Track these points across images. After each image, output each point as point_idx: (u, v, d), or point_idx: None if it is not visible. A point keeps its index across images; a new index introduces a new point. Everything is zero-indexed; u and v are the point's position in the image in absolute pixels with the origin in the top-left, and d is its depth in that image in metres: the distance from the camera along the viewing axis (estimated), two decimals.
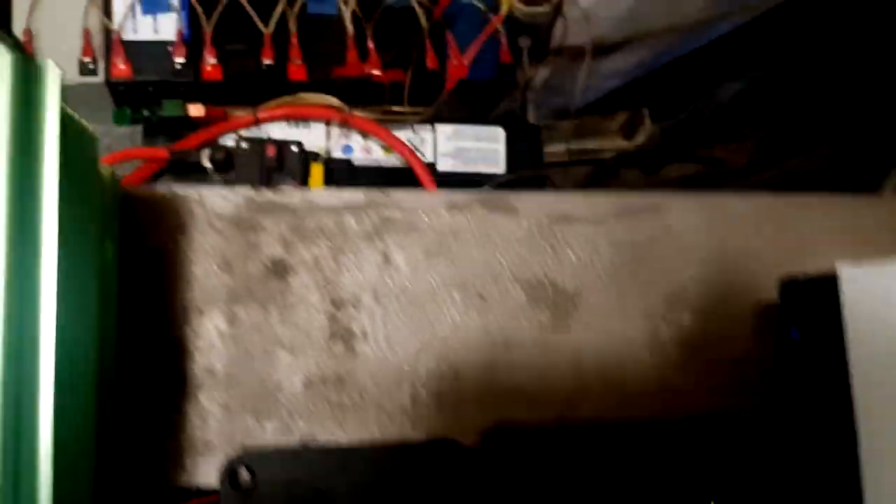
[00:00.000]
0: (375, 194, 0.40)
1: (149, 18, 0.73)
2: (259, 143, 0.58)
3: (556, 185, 0.73)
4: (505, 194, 0.42)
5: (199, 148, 0.62)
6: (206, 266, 0.37)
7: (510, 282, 0.38)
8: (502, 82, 0.78)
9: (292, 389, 0.34)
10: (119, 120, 0.63)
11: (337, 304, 0.37)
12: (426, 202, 0.40)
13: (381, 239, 0.38)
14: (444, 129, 0.69)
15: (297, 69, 0.75)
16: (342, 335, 0.36)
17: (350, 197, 0.39)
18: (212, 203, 0.38)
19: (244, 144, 0.58)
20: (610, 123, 1.14)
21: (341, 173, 0.65)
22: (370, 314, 0.36)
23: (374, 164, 0.67)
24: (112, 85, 0.72)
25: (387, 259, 0.38)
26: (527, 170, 0.65)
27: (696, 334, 0.39)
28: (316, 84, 0.75)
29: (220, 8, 0.73)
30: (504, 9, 0.67)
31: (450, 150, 0.69)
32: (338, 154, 0.65)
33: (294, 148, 0.60)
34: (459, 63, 0.78)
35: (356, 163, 0.67)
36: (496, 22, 0.67)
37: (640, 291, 0.39)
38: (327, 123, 0.66)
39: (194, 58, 0.73)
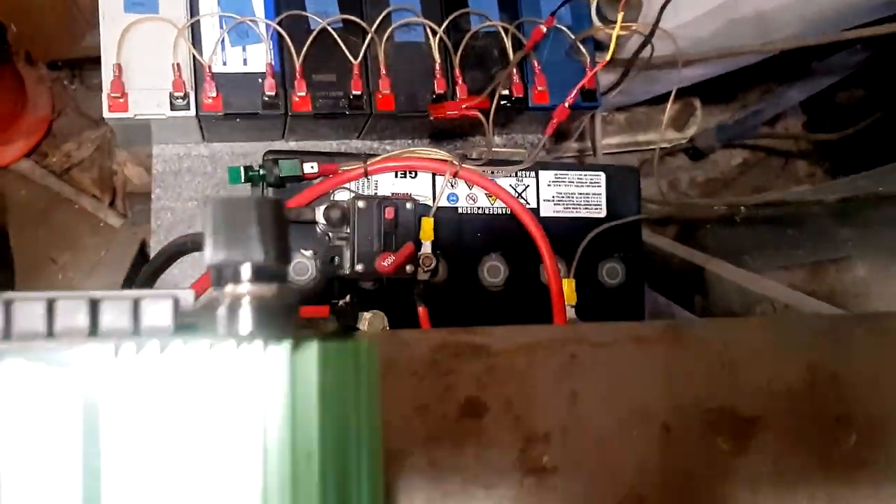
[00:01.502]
0: (564, 331, 0.42)
1: (238, 50, 0.73)
2: (378, 204, 0.59)
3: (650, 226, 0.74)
4: (688, 325, 0.44)
5: (311, 204, 0.63)
6: (402, 409, 0.39)
7: (693, 411, 0.40)
8: (586, 107, 0.78)
9: None
10: (234, 178, 0.63)
11: (528, 440, 0.40)
12: (611, 335, 0.42)
13: (569, 376, 0.40)
14: (546, 176, 0.70)
15: (384, 99, 0.75)
16: (534, 471, 0.39)
17: (541, 334, 0.41)
18: (410, 348, 0.40)
19: (361, 203, 0.59)
20: (660, 115, 1.15)
21: (449, 223, 0.67)
22: (560, 449, 0.39)
23: (479, 211, 0.68)
24: (204, 118, 0.72)
25: (574, 395, 0.40)
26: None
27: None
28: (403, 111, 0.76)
29: (309, 39, 0.72)
30: (609, 54, 0.67)
31: (552, 195, 0.71)
32: (444, 203, 0.67)
33: (409, 206, 0.61)
34: (542, 92, 0.78)
35: (461, 210, 0.68)
36: (601, 65, 0.67)
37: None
38: (434, 175, 0.67)
39: (284, 89, 0.73)
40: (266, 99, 0.72)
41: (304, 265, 0.62)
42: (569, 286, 0.63)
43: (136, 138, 0.79)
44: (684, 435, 0.41)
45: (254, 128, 0.77)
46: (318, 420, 0.22)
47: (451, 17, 0.76)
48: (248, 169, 0.63)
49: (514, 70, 0.77)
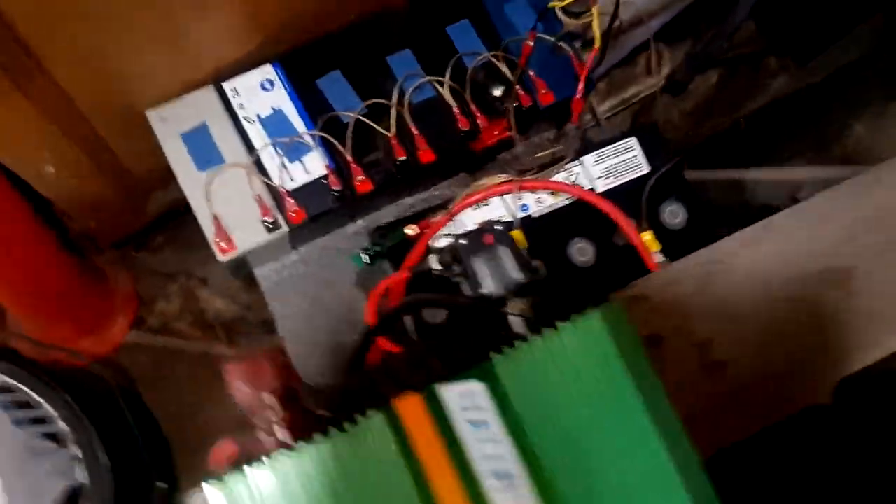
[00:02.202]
0: (691, 260, 0.54)
1: (297, 164, 0.85)
2: (476, 236, 0.71)
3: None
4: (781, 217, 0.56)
5: (424, 257, 0.75)
6: None
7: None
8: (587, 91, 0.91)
9: None
10: (357, 262, 0.75)
11: (701, 346, 0.52)
12: (730, 246, 0.54)
13: (712, 287, 0.52)
14: (589, 159, 0.82)
15: (425, 153, 0.87)
16: (709, 366, 0.51)
17: (676, 268, 0.53)
18: None
19: (463, 241, 0.71)
20: (634, 69, 1.27)
21: (531, 227, 0.79)
22: (726, 346, 0.51)
23: (549, 209, 0.81)
24: (294, 230, 0.84)
25: (723, 301, 0.52)
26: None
27: None
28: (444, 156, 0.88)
29: (349, 132, 0.84)
30: (596, 41, 0.79)
31: (600, 172, 0.83)
32: (520, 214, 0.79)
33: (500, 227, 0.73)
34: (546, 94, 0.91)
35: (535, 215, 0.80)
36: (594, 52, 0.80)
37: None
38: (502, 196, 0.79)
39: (344, 180, 0.85)
40: (335, 194, 0.84)
41: (436, 311, 0.74)
42: (649, 236, 0.76)
43: (241, 269, 0.91)
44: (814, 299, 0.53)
45: (330, 222, 0.90)
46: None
47: (449, 67, 0.88)
48: (366, 250, 0.75)
49: (518, 89, 0.89)
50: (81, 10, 0.62)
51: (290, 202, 0.83)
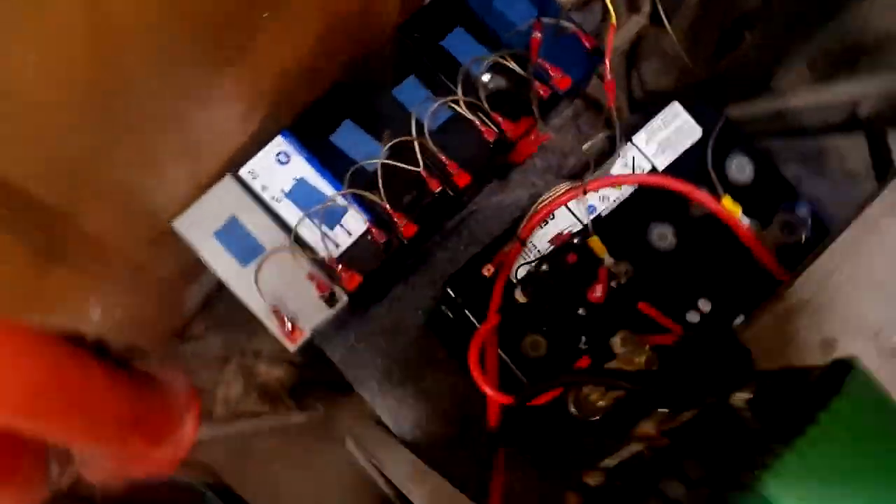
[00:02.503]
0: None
1: (337, 228, 0.81)
2: (556, 258, 0.67)
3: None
4: None
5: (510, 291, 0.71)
6: None
7: None
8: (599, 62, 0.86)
9: None
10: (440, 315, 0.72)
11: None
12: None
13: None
14: (639, 138, 0.78)
15: (460, 177, 0.83)
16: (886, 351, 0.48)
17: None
18: None
19: (544, 266, 0.67)
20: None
21: (606, 230, 0.75)
22: None
23: (615, 203, 0.77)
24: (353, 296, 0.80)
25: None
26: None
27: None
28: (479, 174, 0.84)
29: (379, 182, 0.80)
30: (612, 17, 0.75)
31: (655, 148, 0.79)
32: (591, 216, 0.75)
33: (576, 240, 0.69)
34: (563, 78, 0.86)
35: (604, 213, 0.77)
36: (612, 29, 0.76)
37: None
38: (566, 205, 0.75)
39: (388, 229, 0.81)
40: (383, 246, 0.80)
41: (537, 342, 0.70)
42: (727, 201, 0.72)
43: (308, 347, 0.88)
44: None
45: (386, 274, 0.86)
46: None
47: (459, 81, 0.83)
48: (443, 304, 0.71)
49: (535, 83, 0.84)
50: (108, 160, 0.57)
51: (339, 269, 0.79)
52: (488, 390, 0.64)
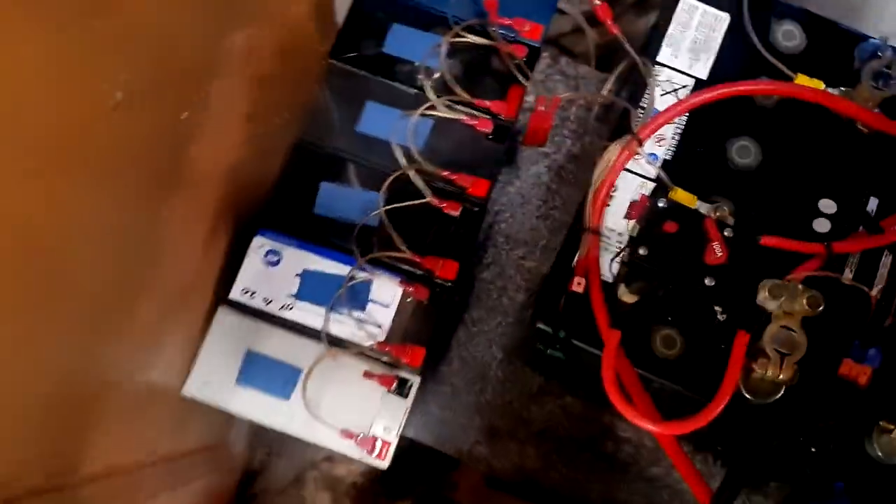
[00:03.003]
0: None
1: (371, 307, 0.67)
2: (652, 232, 0.54)
3: None
4: None
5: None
6: None
7: None
8: None
9: None
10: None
11: None
12: None
13: None
14: (664, 55, 0.64)
15: (476, 187, 0.69)
16: None
17: None
18: None
19: (641, 250, 0.54)
20: None
21: (677, 174, 0.61)
22: None
23: (675, 139, 0.63)
24: (418, 370, 0.67)
25: None
26: None
27: None
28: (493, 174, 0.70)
29: (392, 232, 0.66)
30: None
31: (688, 59, 0.65)
32: (658, 166, 0.61)
33: (661, 203, 0.55)
34: (532, 27, 0.72)
35: (670, 157, 0.63)
36: None
37: None
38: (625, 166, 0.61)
39: (427, 279, 0.67)
40: (429, 300, 0.67)
41: (668, 337, 0.57)
42: (803, 79, 0.58)
43: None
44: None
45: (443, 330, 0.73)
46: None
47: (424, 82, 0.69)
48: (541, 343, 0.58)
49: (506, 46, 0.70)
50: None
51: (396, 349, 0.65)
52: (653, 427, 0.50)
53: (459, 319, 0.79)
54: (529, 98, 0.75)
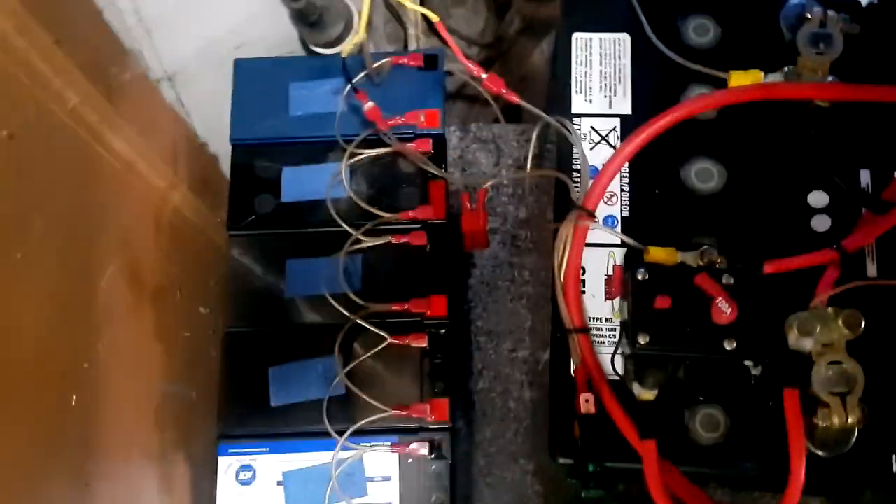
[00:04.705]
0: None
1: (361, 499, 0.58)
2: (645, 311, 0.45)
3: None
4: None
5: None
6: None
7: None
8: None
9: None
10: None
11: None
12: None
13: None
14: (577, 103, 0.57)
15: (432, 306, 0.61)
16: None
17: None
18: None
19: (641, 339, 0.45)
20: None
21: (641, 229, 0.54)
22: None
23: (624, 191, 0.55)
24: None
25: None
26: None
27: None
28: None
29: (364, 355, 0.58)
30: None
31: (601, 99, 0.57)
32: (617, 229, 0.53)
33: (639, 274, 0.47)
34: (428, 115, 0.65)
35: (626, 213, 0.55)
36: None
37: None
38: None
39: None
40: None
41: (710, 417, 0.48)
42: (737, 77, 0.51)
43: None
44: None
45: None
46: None
47: (339, 219, 0.61)
48: (573, 478, 0.49)
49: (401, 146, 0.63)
50: None
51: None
52: None
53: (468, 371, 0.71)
54: (455, 186, 0.68)
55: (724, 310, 0.45)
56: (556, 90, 0.56)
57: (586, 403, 0.46)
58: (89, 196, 0.48)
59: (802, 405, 0.44)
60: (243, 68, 0.66)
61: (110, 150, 0.51)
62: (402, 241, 0.61)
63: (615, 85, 0.57)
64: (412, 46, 0.84)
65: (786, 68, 0.53)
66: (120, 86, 0.53)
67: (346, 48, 0.60)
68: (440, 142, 0.64)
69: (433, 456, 0.58)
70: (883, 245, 0.51)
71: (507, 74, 0.91)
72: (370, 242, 0.61)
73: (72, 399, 0.41)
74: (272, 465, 0.59)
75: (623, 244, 0.51)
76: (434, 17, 0.60)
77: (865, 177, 0.53)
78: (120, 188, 0.53)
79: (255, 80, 0.66)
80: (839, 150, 0.53)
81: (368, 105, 0.60)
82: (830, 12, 0.52)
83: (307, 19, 0.65)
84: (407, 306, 0.60)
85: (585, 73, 0.57)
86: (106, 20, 0.54)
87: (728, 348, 0.45)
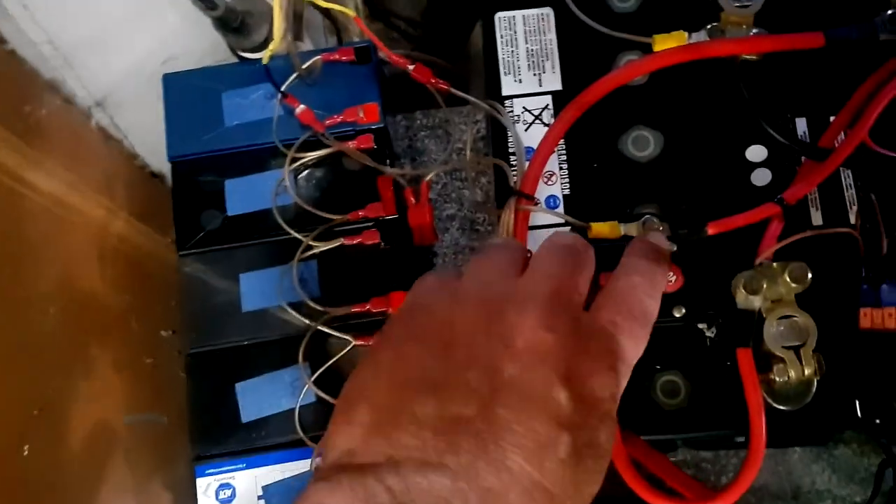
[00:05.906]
0: None
1: None
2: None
3: None
4: None
5: None
6: None
7: None
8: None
9: None
10: None
11: None
12: None
13: None
14: (507, 84, 0.56)
15: (392, 302, 0.60)
16: None
17: None
18: None
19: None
20: None
21: (583, 205, 0.53)
22: None
23: (563, 168, 0.55)
24: None
25: None
26: None
27: None
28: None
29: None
30: None
31: (531, 78, 0.56)
32: (560, 214, 0.53)
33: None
34: (367, 109, 0.64)
35: (567, 192, 0.54)
36: None
37: None
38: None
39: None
40: None
41: (671, 384, 0.48)
42: (660, 40, 0.50)
43: None
44: None
45: None
46: None
47: (286, 227, 0.60)
48: None
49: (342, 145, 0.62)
50: None
51: None
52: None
53: None
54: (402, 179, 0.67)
55: (669, 278, 0.45)
56: (487, 74, 0.56)
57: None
58: (20, 240, 0.47)
59: (758, 363, 0.44)
60: (172, 83, 0.65)
61: (35, 189, 0.50)
62: (355, 241, 0.61)
63: (543, 62, 0.56)
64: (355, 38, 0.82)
65: (709, 25, 0.53)
66: (37, 122, 0.52)
67: (265, 56, 0.59)
68: (383, 135, 0.64)
69: None
70: (826, 192, 0.51)
71: (455, 54, 0.90)
72: (323, 247, 0.61)
73: (24, 449, 0.40)
74: (251, 480, 0.59)
75: (566, 223, 0.51)
76: (350, 13, 0.59)
77: (802, 125, 0.53)
78: (52, 226, 0.52)
79: (185, 93, 0.65)
80: (773, 101, 0.53)
81: (300, 108, 0.59)
82: None
83: (229, 26, 0.64)
84: (368, 306, 0.59)
85: (512, 52, 0.56)
86: (20, 56, 0.53)
87: (677, 315, 0.45)
